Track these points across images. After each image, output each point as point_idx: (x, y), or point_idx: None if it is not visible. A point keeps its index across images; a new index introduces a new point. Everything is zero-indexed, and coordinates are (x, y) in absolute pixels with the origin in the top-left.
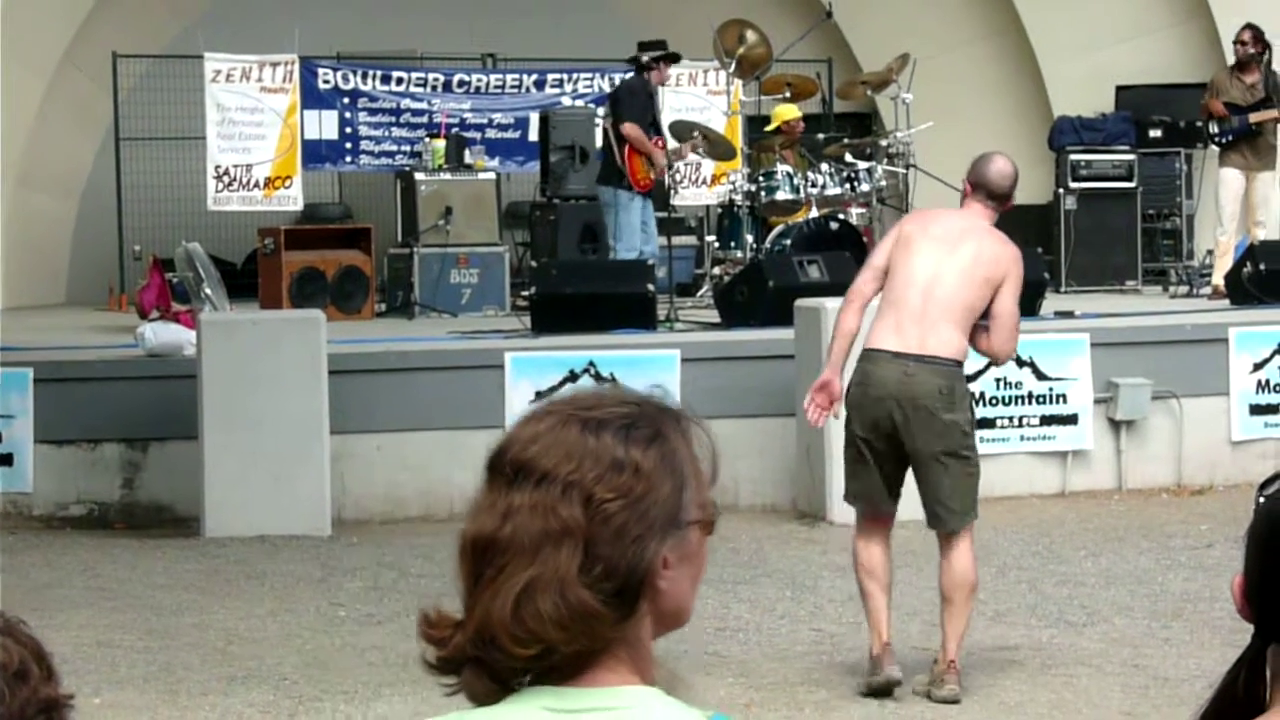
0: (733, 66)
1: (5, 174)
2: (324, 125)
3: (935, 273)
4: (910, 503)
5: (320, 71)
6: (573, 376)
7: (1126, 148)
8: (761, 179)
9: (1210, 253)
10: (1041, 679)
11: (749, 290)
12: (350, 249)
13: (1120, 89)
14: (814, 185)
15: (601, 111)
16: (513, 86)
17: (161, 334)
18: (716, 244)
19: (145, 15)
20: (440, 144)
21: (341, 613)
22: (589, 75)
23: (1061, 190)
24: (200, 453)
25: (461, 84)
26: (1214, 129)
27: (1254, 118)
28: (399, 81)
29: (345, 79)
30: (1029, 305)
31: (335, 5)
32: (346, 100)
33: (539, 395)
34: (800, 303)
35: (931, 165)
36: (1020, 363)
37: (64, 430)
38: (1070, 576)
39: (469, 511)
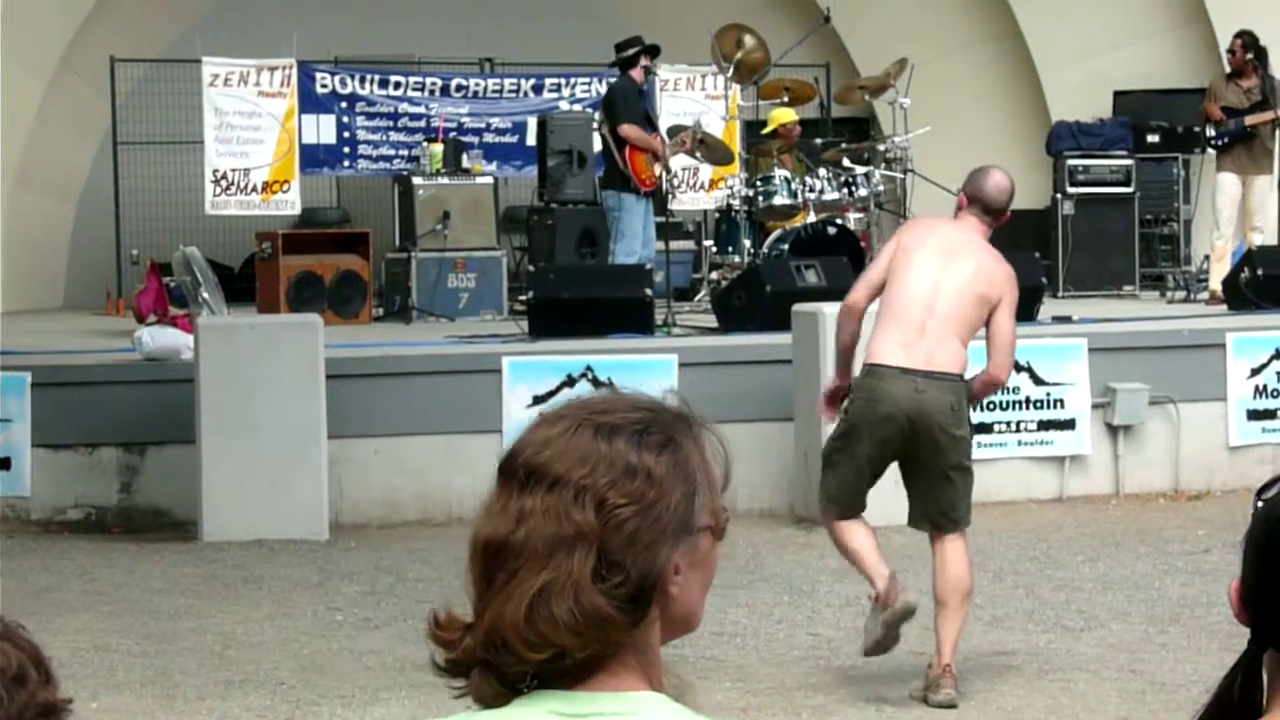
0: (731, 71)
1: (3, 177)
2: (322, 130)
3: (935, 288)
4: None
5: (318, 76)
6: (570, 381)
7: (1124, 153)
8: (759, 184)
9: (1207, 258)
10: (1038, 684)
11: (746, 295)
12: (348, 253)
13: (1118, 94)
14: (812, 190)
15: (598, 117)
16: (510, 91)
17: (159, 338)
18: (714, 249)
19: (143, 19)
20: (438, 148)
21: (339, 617)
22: (586, 80)
23: (1059, 195)
24: (198, 457)
25: (459, 88)
26: (1210, 132)
27: (1249, 120)
28: (397, 86)
29: (343, 83)
30: (1027, 311)
31: (333, 10)
32: (344, 105)
33: (536, 400)
34: (798, 308)
35: (929, 170)
36: (1018, 368)
37: (61, 434)
38: (1067, 581)
39: (480, 514)
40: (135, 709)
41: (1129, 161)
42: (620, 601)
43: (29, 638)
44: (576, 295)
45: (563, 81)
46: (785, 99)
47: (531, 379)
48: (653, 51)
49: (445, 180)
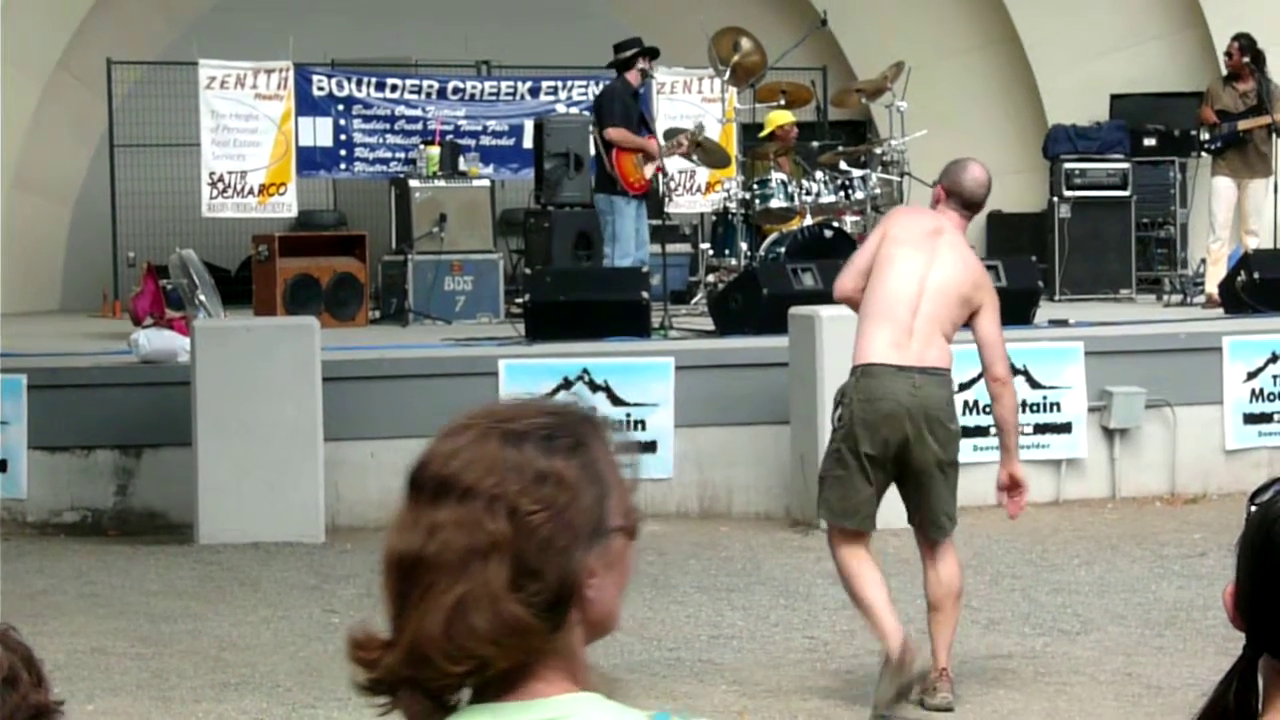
0: (727, 74)
1: (0, 180)
2: (318, 132)
3: (920, 287)
4: (899, 512)
5: (315, 78)
6: (567, 384)
7: (1121, 156)
8: (756, 187)
9: (1204, 261)
10: (1035, 687)
11: (743, 298)
12: (344, 256)
13: (1115, 98)
14: (808, 193)
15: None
16: (507, 94)
17: (155, 340)
18: (711, 252)
19: (140, 22)
20: (435, 151)
21: (335, 619)
22: (583, 82)
23: (1056, 199)
24: (194, 459)
25: (456, 91)
26: (1205, 136)
27: (1243, 125)
28: (393, 89)
29: (340, 86)
30: (1023, 314)
31: (330, 12)
32: (341, 107)
33: None
34: (794, 311)
35: (926, 173)
36: (1014, 371)
37: (58, 436)
38: (1064, 585)
39: (390, 529)
40: (131, 711)
41: (1125, 165)
42: (538, 609)
43: (21, 640)
44: (573, 298)
45: (559, 84)
46: (782, 102)
47: (528, 382)
48: (651, 54)
49: (442, 183)
